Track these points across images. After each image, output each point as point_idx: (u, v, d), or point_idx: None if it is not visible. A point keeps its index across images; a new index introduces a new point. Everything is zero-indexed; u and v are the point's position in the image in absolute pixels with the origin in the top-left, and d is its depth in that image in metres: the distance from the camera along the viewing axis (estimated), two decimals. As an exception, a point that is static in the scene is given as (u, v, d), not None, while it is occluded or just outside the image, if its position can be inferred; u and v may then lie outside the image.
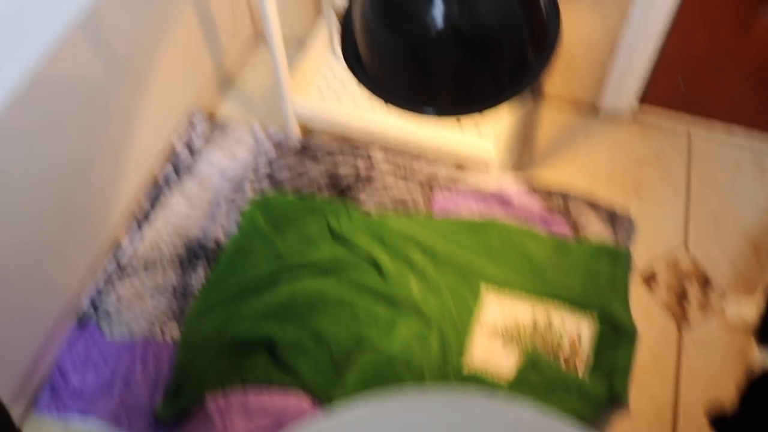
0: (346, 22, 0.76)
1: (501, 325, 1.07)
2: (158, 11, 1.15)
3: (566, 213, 1.18)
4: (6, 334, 0.99)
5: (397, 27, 0.66)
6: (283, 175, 1.26)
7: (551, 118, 1.36)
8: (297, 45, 1.47)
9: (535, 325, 1.07)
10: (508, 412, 0.49)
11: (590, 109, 1.37)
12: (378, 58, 0.70)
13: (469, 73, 0.67)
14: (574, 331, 1.06)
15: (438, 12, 0.62)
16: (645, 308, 1.12)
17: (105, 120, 1.09)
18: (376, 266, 1.12)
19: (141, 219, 1.23)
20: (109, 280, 1.15)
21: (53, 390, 1.06)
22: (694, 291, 1.12)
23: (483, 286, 1.10)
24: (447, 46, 0.64)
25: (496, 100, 0.69)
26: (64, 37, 0.95)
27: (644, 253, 1.17)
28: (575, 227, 1.17)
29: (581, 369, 1.03)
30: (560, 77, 1.32)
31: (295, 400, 1.01)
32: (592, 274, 1.11)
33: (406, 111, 0.70)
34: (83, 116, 1.04)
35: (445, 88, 0.70)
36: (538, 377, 1.01)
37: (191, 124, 1.33)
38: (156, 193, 1.26)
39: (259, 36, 1.55)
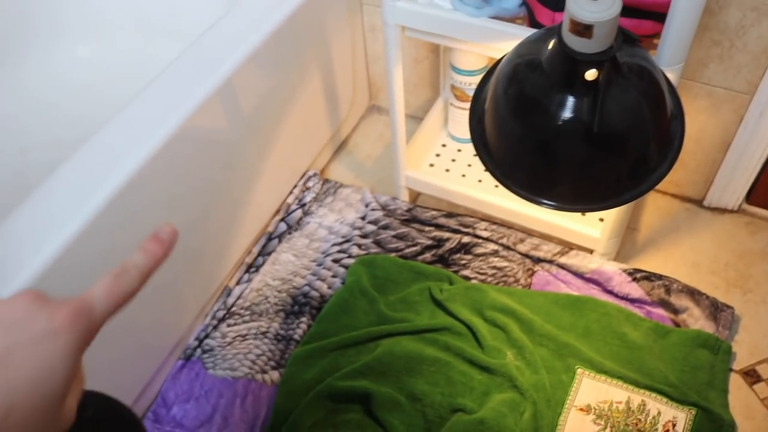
0: (474, 107, 0.82)
1: (594, 405, 1.08)
2: (287, 79, 1.25)
3: (666, 301, 1.19)
4: (120, 365, 1.05)
5: (527, 119, 0.71)
6: (389, 238, 1.32)
7: (656, 207, 1.38)
8: (411, 120, 1.55)
9: (629, 407, 1.07)
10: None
11: (696, 201, 1.38)
12: (505, 146, 0.76)
13: (593, 171, 0.72)
14: (668, 418, 1.05)
15: (569, 109, 0.67)
16: (745, 405, 1.09)
17: (228, 175, 1.18)
18: (474, 335, 1.15)
19: (251, 267, 1.31)
20: (216, 321, 1.23)
21: (156, 419, 1.13)
22: (798, 394, 1.10)
23: (579, 369, 1.11)
24: (575, 141, 0.69)
25: (616, 200, 0.73)
26: (207, 98, 1.05)
27: (746, 349, 1.15)
28: (675, 316, 1.18)
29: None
30: (668, 169, 1.34)
31: (385, 457, 1.05)
32: (691, 362, 1.10)
33: (527, 200, 0.75)
34: (209, 170, 1.12)
35: (567, 183, 0.74)
36: (632, 461, 1.01)
37: (305, 184, 1.42)
38: (267, 244, 1.34)
39: (373, 107, 1.64)
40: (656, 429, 1.05)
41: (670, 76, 0.85)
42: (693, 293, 1.19)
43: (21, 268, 0.84)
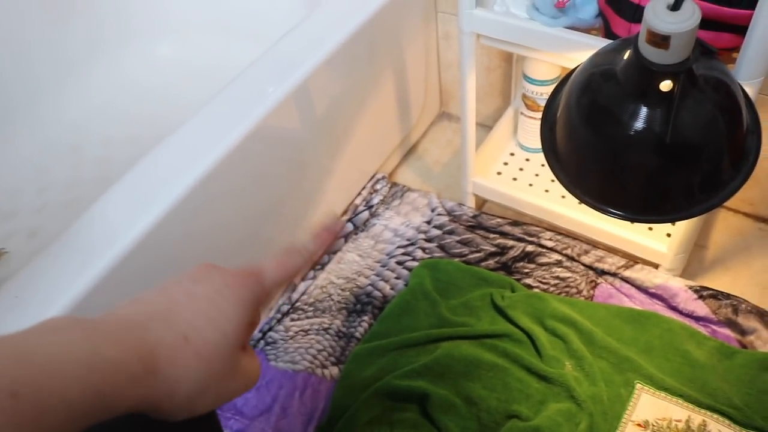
0: (546, 115, 0.83)
1: (653, 421, 1.06)
2: (360, 83, 1.28)
3: (733, 321, 1.16)
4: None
5: (599, 128, 0.72)
6: (453, 243, 1.34)
7: (727, 225, 1.35)
8: (480, 128, 1.56)
9: (688, 426, 1.05)
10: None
11: (769, 222, 1.35)
12: (575, 154, 0.76)
13: (663, 182, 0.72)
14: (732, 441, 1.03)
15: (642, 120, 0.68)
16: (811, 435, 1.07)
17: (300, 174, 1.21)
18: (534, 343, 1.15)
19: (317, 265, 1.34)
20: (280, 315, 1.27)
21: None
22: None
23: (638, 384, 1.10)
24: (647, 152, 0.69)
25: (686, 213, 0.73)
26: (282, 99, 1.09)
27: (816, 377, 1.12)
28: (742, 337, 1.15)
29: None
30: (743, 187, 1.31)
31: (439, 457, 1.06)
32: (757, 385, 1.07)
33: (595, 209, 0.75)
34: (282, 168, 1.16)
35: (637, 194, 0.74)
36: (690, 479, 0.99)
37: (374, 187, 1.45)
38: (333, 243, 1.37)
39: (443, 113, 1.66)
40: (717, 450, 1.03)
41: (749, 90, 0.84)
42: (762, 315, 1.16)
43: (108, 249, 0.89)
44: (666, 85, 0.66)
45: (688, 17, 0.62)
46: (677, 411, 1.07)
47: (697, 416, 1.06)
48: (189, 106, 1.09)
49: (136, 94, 1.63)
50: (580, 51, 0.98)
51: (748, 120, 0.74)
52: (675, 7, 0.63)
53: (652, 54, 0.65)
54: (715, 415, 1.06)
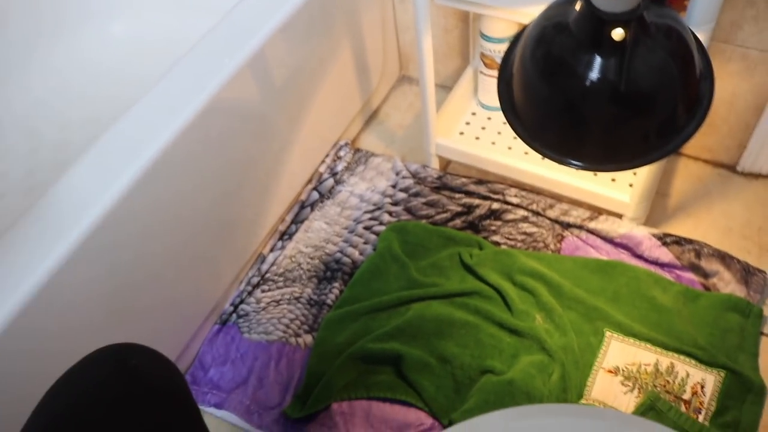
0: (502, 71, 0.83)
1: (623, 367, 1.09)
2: (317, 50, 1.26)
3: (697, 265, 1.19)
4: (159, 330, 1.10)
5: (555, 80, 0.72)
6: (419, 205, 1.34)
7: (687, 173, 1.37)
8: (440, 90, 1.56)
9: (657, 369, 1.08)
10: (641, 425, 0.53)
11: (729, 167, 1.37)
12: (533, 108, 0.77)
13: (620, 130, 0.72)
14: (697, 380, 1.06)
15: (596, 69, 0.68)
16: (776, 369, 1.10)
17: (261, 145, 1.20)
18: (504, 299, 1.17)
19: (284, 235, 1.34)
20: (251, 288, 1.27)
21: (193, 381, 1.17)
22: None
23: (607, 332, 1.12)
24: (602, 101, 0.69)
25: (643, 159, 0.73)
26: (237, 70, 1.07)
27: (778, 314, 1.16)
28: (705, 280, 1.18)
29: (702, 417, 1.03)
30: (701, 133, 1.32)
31: (416, 416, 1.07)
32: (720, 325, 1.11)
33: (555, 161, 0.76)
34: (242, 140, 1.15)
35: (595, 143, 0.74)
36: (656, 418, 1.02)
37: (337, 154, 1.44)
38: (300, 213, 1.37)
39: (403, 77, 1.65)
40: (684, 390, 1.06)
41: (700, 36, 0.84)
42: (724, 257, 1.19)
43: (73, 228, 0.88)
44: (618, 34, 0.66)
45: (637, -36, 0.62)
46: (646, 355, 1.10)
47: (665, 359, 1.09)
48: (146, 84, 1.07)
49: (91, 74, 1.59)
50: (534, 5, 0.98)
51: (700, 65, 0.75)
52: (623, -46, 0.63)
53: (603, 3, 0.65)
54: (682, 357, 1.09)
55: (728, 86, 1.23)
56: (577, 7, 0.69)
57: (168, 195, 1.01)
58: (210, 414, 1.14)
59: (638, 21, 0.66)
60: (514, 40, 0.82)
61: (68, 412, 0.60)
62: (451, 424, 1.05)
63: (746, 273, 1.17)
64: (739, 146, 1.33)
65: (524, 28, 0.79)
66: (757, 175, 1.35)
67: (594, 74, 0.68)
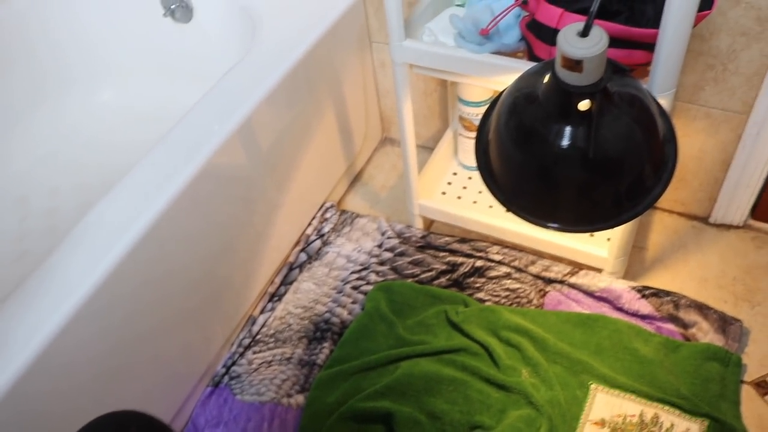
0: (479, 137, 0.88)
1: (609, 419, 1.11)
2: (302, 116, 1.31)
3: (675, 317, 1.22)
4: (152, 393, 1.11)
5: (527, 148, 0.77)
6: (405, 264, 1.37)
7: (663, 226, 1.42)
8: (422, 151, 1.61)
9: (642, 420, 1.10)
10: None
11: (702, 218, 1.42)
12: (509, 173, 0.81)
13: (591, 194, 0.77)
14: (681, 429, 1.08)
15: (566, 138, 0.73)
16: (757, 416, 1.12)
17: (250, 209, 1.24)
18: (490, 355, 1.19)
19: (274, 297, 1.36)
20: (242, 349, 1.28)
21: (187, 445, 1.18)
22: (807, 403, 1.13)
23: (592, 385, 1.15)
24: (573, 167, 0.74)
25: (615, 221, 0.78)
26: (226, 138, 1.12)
27: (756, 360, 1.19)
28: (685, 330, 1.21)
29: (689, 468, 1.05)
30: (673, 188, 1.39)
31: (408, 474, 1.09)
32: (701, 374, 1.13)
33: (532, 223, 0.80)
34: (232, 205, 1.18)
35: (568, 206, 0.79)
36: (645, 470, 1.04)
37: (323, 216, 1.48)
38: (288, 274, 1.40)
39: (386, 139, 1.71)
40: (669, 440, 1.08)
41: (663, 101, 0.90)
42: (701, 308, 1.23)
43: (66, 299, 0.91)
44: (584, 105, 0.71)
45: (597, 42, 0.68)
46: (631, 406, 1.12)
47: (650, 409, 1.11)
48: (135, 151, 1.11)
49: (79, 142, 1.63)
50: (507, 74, 1.04)
51: (664, 129, 0.80)
52: (584, 33, 0.68)
53: (568, 77, 0.70)
54: (666, 407, 1.11)
55: (696, 143, 1.29)
56: (546, 79, 0.74)
57: (160, 260, 1.04)
58: (203, 478, 1.14)
59: (602, 92, 0.72)
60: (489, 108, 0.87)
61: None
62: (442, 481, 1.06)
63: (723, 322, 1.21)
64: (710, 199, 1.38)
65: (498, 96, 0.84)
66: (728, 226, 1.40)
67: (564, 142, 0.73)
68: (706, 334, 1.20)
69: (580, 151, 0.73)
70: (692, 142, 1.30)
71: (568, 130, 0.73)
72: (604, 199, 0.78)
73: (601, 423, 1.11)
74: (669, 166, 0.80)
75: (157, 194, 1.02)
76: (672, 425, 1.09)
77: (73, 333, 0.91)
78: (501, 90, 0.89)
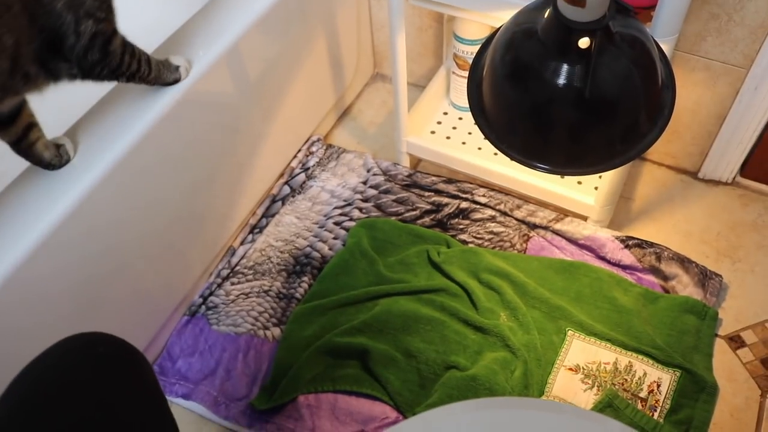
0: (473, 73, 0.85)
1: (583, 365, 1.12)
2: (292, 46, 1.27)
3: (657, 268, 1.22)
4: (128, 321, 1.10)
5: (522, 85, 0.74)
6: (389, 202, 1.36)
7: (651, 178, 1.41)
8: (413, 88, 1.58)
9: (616, 368, 1.11)
10: (597, 419, 0.55)
11: (691, 173, 1.41)
12: (501, 111, 0.79)
13: (584, 135, 0.75)
14: (654, 378, 1.10)
15: (563, 76, 0.70)
16: (728, 369, 1.14)
17: (234, 139, 1.21)
18: (469, 297, 1.19)
19: (255, 229, 1.35)
20: (220, 280, 1.27)
21: (161, 372, 1.18)
22: (780, 359, 1.15)
23: (569, 331, 1.15)
24: (568, 107, 0.72)
25: (607, 164, 0.76)
26: (213, 63, 1.08)
27: (732, 316, 1.19)
28: (665, 282, 1.21)
29: (657, 415, 1.07)
30: (665, 140, 1.37)
31: (381, 410, 1.09)
32: (678, 326, 1.14)
33: (521, 163, 0.78)
34: (215, 133, 1.15)
35: (560, 147, 0.77)
36: (614, 415, 1.05)
37: (309, 149, 1.46)
38: (271, 206, 1.38)
39: (377, 74, 1.67)
40: (641, 389, 1.09)
41: (664, 46, 0.87)
42: (683, 261, 1.23)
43: (36, 221, 0.88)
44: (584, 42, 0.68)
45: (603, -24, 0.65)
46: (606, 354, 1.13)
47: (624, 358, 1.12)
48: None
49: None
50: (506, 9, 1.00)
51: (663, 75, 0.78)
52: (590, -35, 0.65)
53: (570, 12, 0.67)
54: (640, 356, 1.12)
55: (692, 95, 1.27)
56: (546, 14, 0.71)
57: (140, 185, 1.02)
58: (177, 404, 1.14)
59: (604, 30, 0.69)
60: (485, 44, 0.84)
61: (35, 397, 0.61)
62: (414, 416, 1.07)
63: (704, 277, 1.21)
64: (701, 154, 1.36)
65: (495, 31, 0.81)
66: (717, 182, 1.39)
67: (560, 80, 0.71)
68: (685, 287, 1.20)
69: (577, 90, 0.70)
70: (689, 94, 1.28)
71: (565, 67, 0.70)
72: (597, 141, 0.76)
73: (576, 369, 1.12)
74: (665, 112, 0.78)
75: (139, 118, 0.99)
76: (645, 374, 1.10)
77: (47, 259, 0.89)
78: (499, 26, 0.86)
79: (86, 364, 0.64)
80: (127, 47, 0.89)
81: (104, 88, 1.04)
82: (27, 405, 0.60)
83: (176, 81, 1.02)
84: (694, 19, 1.16)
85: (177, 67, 1.02)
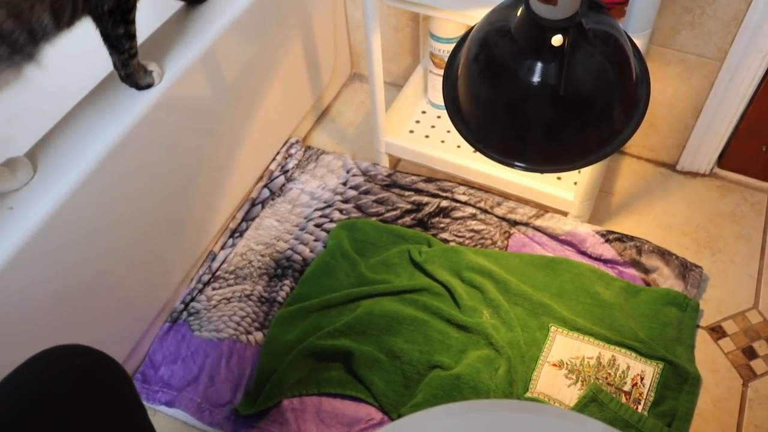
0: (448, 73, 0.85)
1: (567, 360, 1.12)
2: (269, 47, 1.26)
3: (638, 262, 1.23)
4: (109, 329, 1.09)
5: (497, 84, 0.74)
6: (369, 202, 1.35)
7: (630, 171, 1.42)
8: (391, 88, 1.58)
9: (599, 362, 1.12)
10: (579, 420, 0.55)
11: (669, 165, 1.42)
12: (477, 110, 0.78)
13: (560, 132, 0.75)
14: (637, 371, 1.10)
15: (537, 74, 0.70)
16: (710, 360, 1.14)
17: (212, 142, 1.20)
18: (452, 295, 1.19)
19: (235, 233, 1.34)
20: (201, 285, 1.26)
21: (144, 380, 1.17)
22: (762, 348, 1.15)
23: (552, 327, 1.15)
24: (543, 105, 0.72)
25: (583, 161, 0.76)
26: (188, 66, 1.07)
27: (713, 307, 1.20)
28: (646, 275, 1.22)
29: (641, 407, 1.07)
30: (643, 134, 1.38)
31: (366, 411, 1.09)
32: (660, 319, 1.15)
33: (499, 162, 0.78)
34: (193, 137, 1.14)
35: (537, 145, 0.77)
36: (598, 409, 1.06)
37: (288, 151, 1.45)
38: (250, 210, 1.37)
39: (354, 75, 1.66)
40: (625, 382, 1.09)
41: (638, 42, 0.88)
42: (663, 254, 1.23)
43: (10, 230, 0.87)
44: (557, 40, 0.68)
45: (574, -27, 0.65)
46: (589, 349, 1.13)
47: (607, 352, 1.12)
48: (94, 77, 1.06)
49: (44, 67, 1.55)
50: (479, 8, 1.00)
51: (637, 70, 0.78)
52: (561, -37, 0.65)
53: (542, 10, 0.67)
54: (623, 350, 1.12)
55: (668, 89, 1.28)
56: (519, 12, 0.71)
57: (117, 191, 1.01)
58: (161, 412, 1.14)
59: (577, 27, 0.69)
60: (459, 43, 0.83)
61: (11, 411, 0.60)
62: (399, 417, 1.06)
63: (684, 269, 1.21)
64: (679, 146, 1.37)
65: (469, 30, 0.81)
66: (695, 174, 1.40)
67: (534, 78, 0.71)
68: (666, 279, 1.21)
69: (551, 88, 0.70)
70: (665, 88, 1.28)
71: (539, 65, 0.70)
72: (573, 138, 0.76)
73: (560, 365, 1.12)
74: (641, 107, 0.78)
75: (114, 122, 0.98)
76: (628, 367, 1.11)
77: (23, 269, 0.88)
78: (473, 25, 0.85)
79: (64, 377, 0.63)
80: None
81: (79, 92, 1.03)
82: (4, 418, 0.59)
83: (149, 86, 1.01)
84: (668, 13, 1.16)
85: (150, 72, 1.01)
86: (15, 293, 0.88)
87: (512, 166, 0.79)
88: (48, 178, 0.92)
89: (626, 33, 0.77)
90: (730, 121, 1.28)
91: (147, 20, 1.32)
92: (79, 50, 1.57)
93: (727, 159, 1.36)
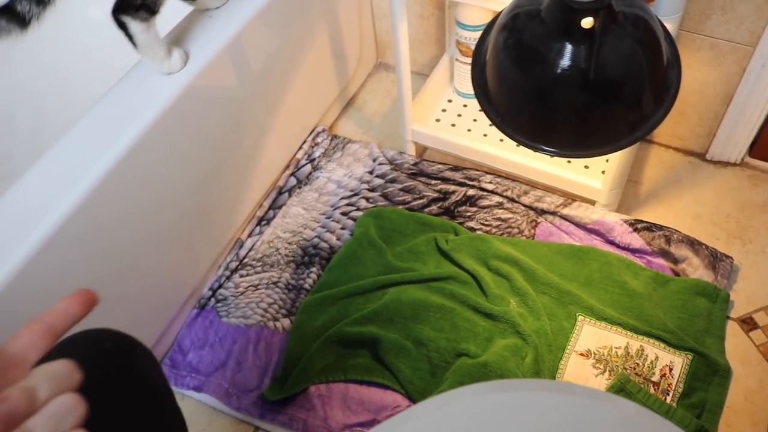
0: (476, 57, 0.85)
1: (594, 350, 1.12)
2: (295, 37, 1.27)
3: (666, 251, 1.21)
4: (138, 315, 1.10)
5: (526, 68, 0.74)
6: (396, 191, 1.35)
7: (659, 160, 1.40)
8: (417, 77, 1.57)
9: (627, 352, 1.11)
10: (610, 400, 0.55)
11: (699, 155, 1.40)
12: (506, 95, 0.78)
13: (590, 117, 0.74)
14: (666, 362, 1.09)
15: (567, 57, 0.70)
16: (742, 352, 1.13)
17: (239, 131, 1.21)
18: (479, 284, 1.19)
19: (262, 221, 1.35)
20: (229, 272, 1.27)
21: (172, 365, 1.18)
22: (793, 339, 1.14)
23: (580, 316, 1.15)
24: (572, 88, 0.71)
25: (613, 146, 0.75)
26: (214, 56, 1.08)
27: (744, 298, 1.19)
28: (675, 266, 1.21)
29: (670, 399, 1.06)
30: (672, 122, 1.36)
31: (393, 398, 1.09)
32: (689, 309, 1.13)
33: (527, 147, 0.77)
34: (220, 126, 1.15)
35: (566, 130, 0.77)
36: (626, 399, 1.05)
37: (315, 140, 1.45)
38: (277, 198, 1.38)
39: (380, 64, 1.66)
40: (653, 373, 1.08)
41: (668, 25, 0.86)
42: (693, 243, 1.22)
43: (42, 217, 0.88)
44: (587, 22, 0.68)
45: (605, -46, 0.64)
46: (617, 339, 1.12)
47: (636, 342, 1.11)
48: (122, 68, 1.07)
49: (68, 58, 1.58)
50: (508, -7, 0.99)
51: (668, 54, 0.77)
52: (593, -56, 0.65)
53: (573, -8, 0.67)
54: (651, 340, 1.11)
55: (698, 75, 1.26)
56: (549, -5, 0.71)
57: (145, 181, 1.02)
58: (189, 397, 1.15)
59: (607, 10, 0.68)
60: (488, 28, 0.83)
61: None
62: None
63: (714, 259, 1.20)
64: (709, 135, 1.35)
65: (498, 15, 0.80)
66: (725, 163, 1.38)
67: (564, 61, 0.70)
68: (696, 269, 1.19)
69: (581, 71, 0.70)
70: (695, 75, 1.26)
71: (569, 48, 0.70)
72: (603, 123, 0.76)
73: (587, 354, 1.11)
74: (671, 91, 0.77)
75: (142, 112, 0.99)
76: (657, 358, 1.10)
77: (53, 255, 0.89)
78: (501, 10, 0.85)
79: (94, 360, 0.64)
80: None
81: (108, 82, 1.04)
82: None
83: (172, 71, 1.02)
84: (699, -2, 1.15)
85: (173, 55, 1.01)
86: (49, 277, 0.89)
87: (541, 150, 0.79)
88: (77, 164, 0.93)
89: (656, 16, 0.76)
90: (763, 109, 1.25)
91: (173, 10, 1.34)
92: (104, 41, 1.60)
93: (758, 148, 1.34)
